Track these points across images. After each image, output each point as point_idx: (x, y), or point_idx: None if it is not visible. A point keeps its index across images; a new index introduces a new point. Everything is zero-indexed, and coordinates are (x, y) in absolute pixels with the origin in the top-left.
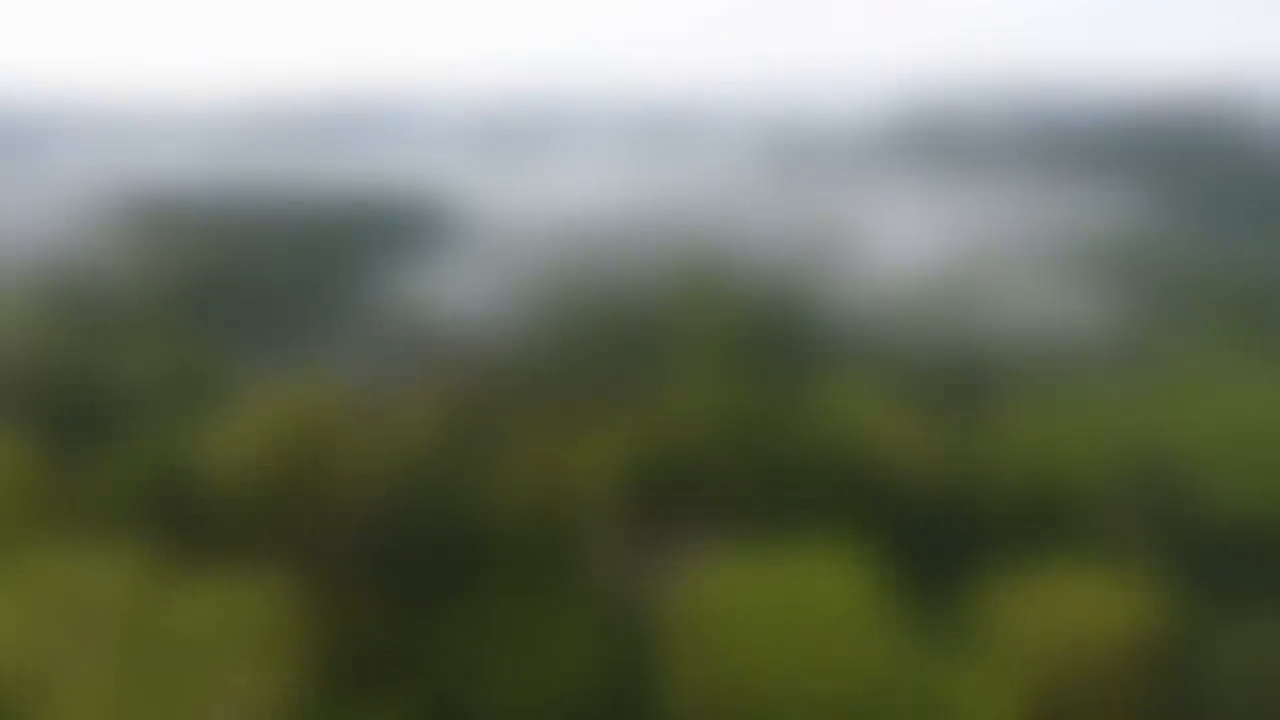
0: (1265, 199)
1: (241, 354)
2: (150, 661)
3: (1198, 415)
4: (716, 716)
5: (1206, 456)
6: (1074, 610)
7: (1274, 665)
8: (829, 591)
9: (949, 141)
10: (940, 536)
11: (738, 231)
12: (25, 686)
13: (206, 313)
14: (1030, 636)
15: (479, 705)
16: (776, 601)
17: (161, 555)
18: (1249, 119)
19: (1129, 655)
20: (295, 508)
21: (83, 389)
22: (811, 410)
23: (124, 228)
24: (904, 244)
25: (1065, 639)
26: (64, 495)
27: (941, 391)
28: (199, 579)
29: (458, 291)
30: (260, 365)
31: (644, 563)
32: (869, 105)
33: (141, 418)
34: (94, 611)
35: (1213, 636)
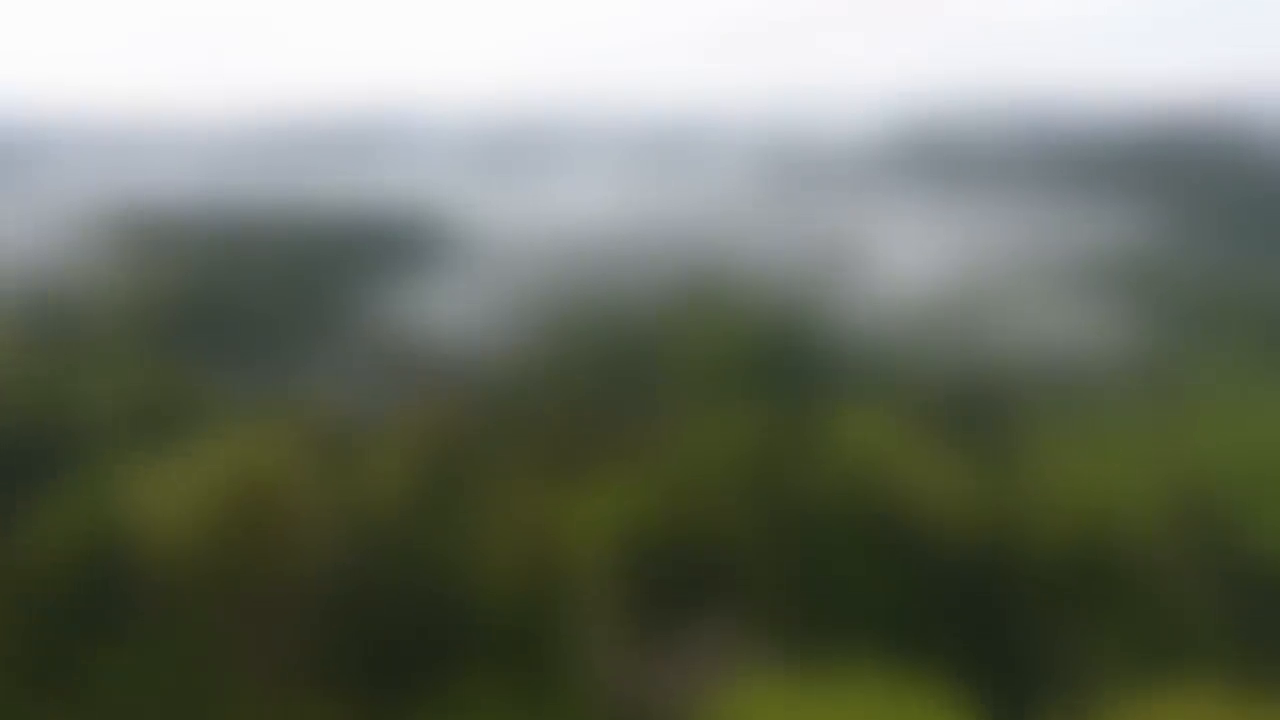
0: (1272, 213)
1: (224, 379)
2: None
3: (1235, 446)
4: None
5: (1252, 494)
6: None
7: None
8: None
9: (952, 158)
10: (994, 617)
11: (740, 251)
12: None
13: (193, 334)
14: None
15: None
16: None
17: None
18: (1254, 133)
19: None
20: (235, 586)
21: (32, 426)
22: (831, 451)
23: (116, 246)
24: (910, 263)
25: None
26: None
27: (964, 422)
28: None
29: (453, 312)
30: (242, 392)
31: (653, 660)
32: (872, 121)
33: (90, 460)
34: None
35: None
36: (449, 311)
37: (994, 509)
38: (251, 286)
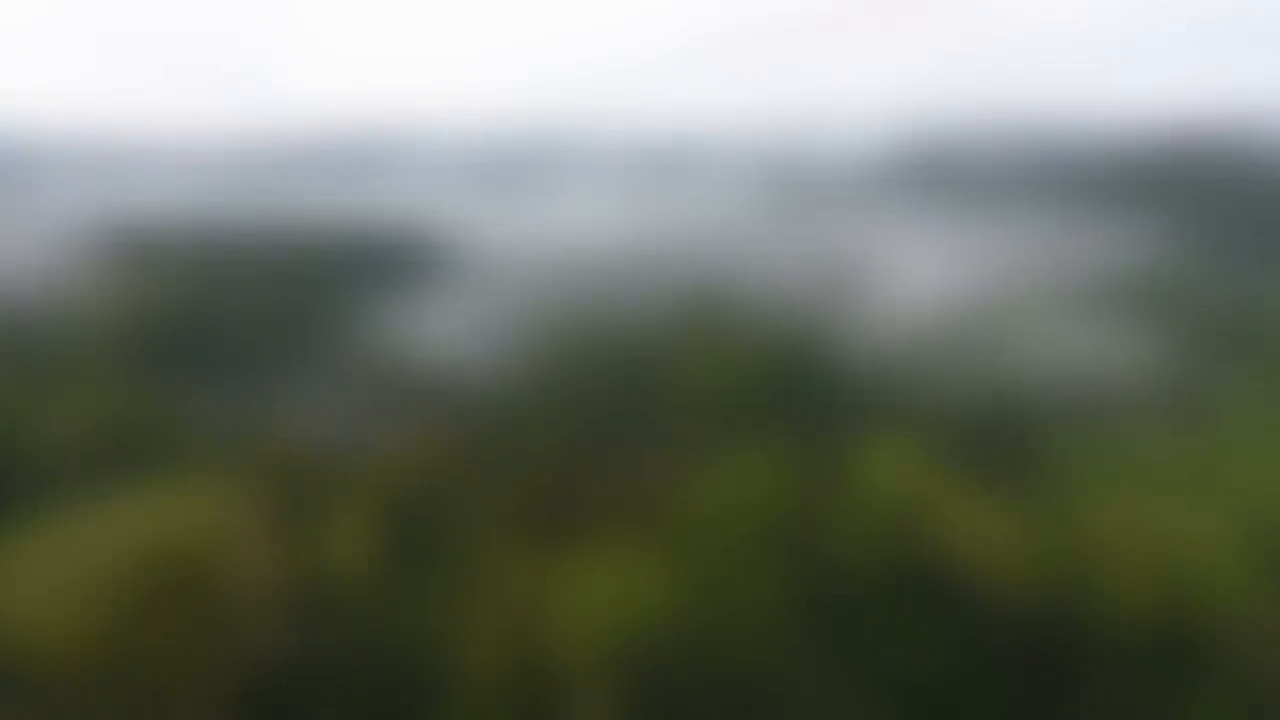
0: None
1: (200, 408)
2: None
3: None
4: None
5: None
6: None
7: None
8: None
9: (958, 174)
10: (1067, 690)
11: (743, 270)
12: None
13: (176, 358)
14: None
15: None
16: None
17: None
18: (1264, 147)
19: None
20: (153, 673)
21: None
22: (863, 499)
23: (105, 264)
24: (919, 283)
25: None
26: None
27: (1000, 456)
28: None
29: (447, 335)
30: (213, 424)
31: None
32: (877, 137)
33: (26, 501)
34: None
35: None
36: (442, 334)
37: (1053, 559)
38: (241, 307)
